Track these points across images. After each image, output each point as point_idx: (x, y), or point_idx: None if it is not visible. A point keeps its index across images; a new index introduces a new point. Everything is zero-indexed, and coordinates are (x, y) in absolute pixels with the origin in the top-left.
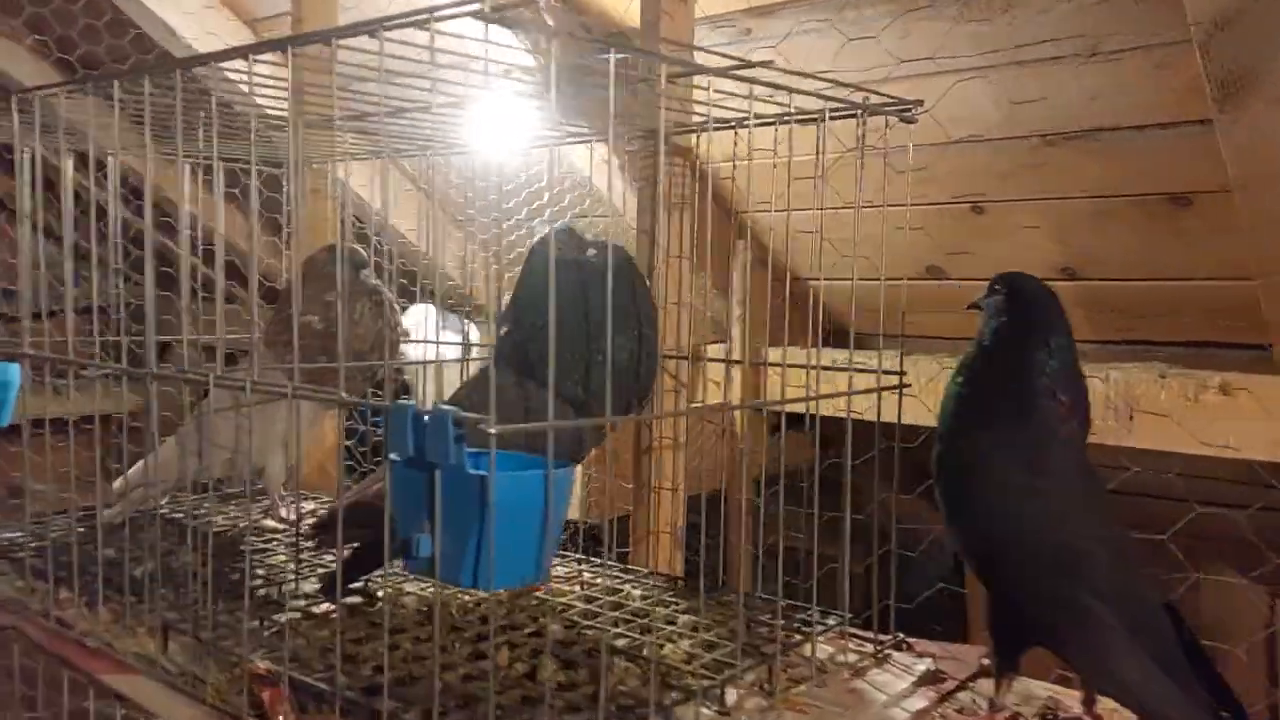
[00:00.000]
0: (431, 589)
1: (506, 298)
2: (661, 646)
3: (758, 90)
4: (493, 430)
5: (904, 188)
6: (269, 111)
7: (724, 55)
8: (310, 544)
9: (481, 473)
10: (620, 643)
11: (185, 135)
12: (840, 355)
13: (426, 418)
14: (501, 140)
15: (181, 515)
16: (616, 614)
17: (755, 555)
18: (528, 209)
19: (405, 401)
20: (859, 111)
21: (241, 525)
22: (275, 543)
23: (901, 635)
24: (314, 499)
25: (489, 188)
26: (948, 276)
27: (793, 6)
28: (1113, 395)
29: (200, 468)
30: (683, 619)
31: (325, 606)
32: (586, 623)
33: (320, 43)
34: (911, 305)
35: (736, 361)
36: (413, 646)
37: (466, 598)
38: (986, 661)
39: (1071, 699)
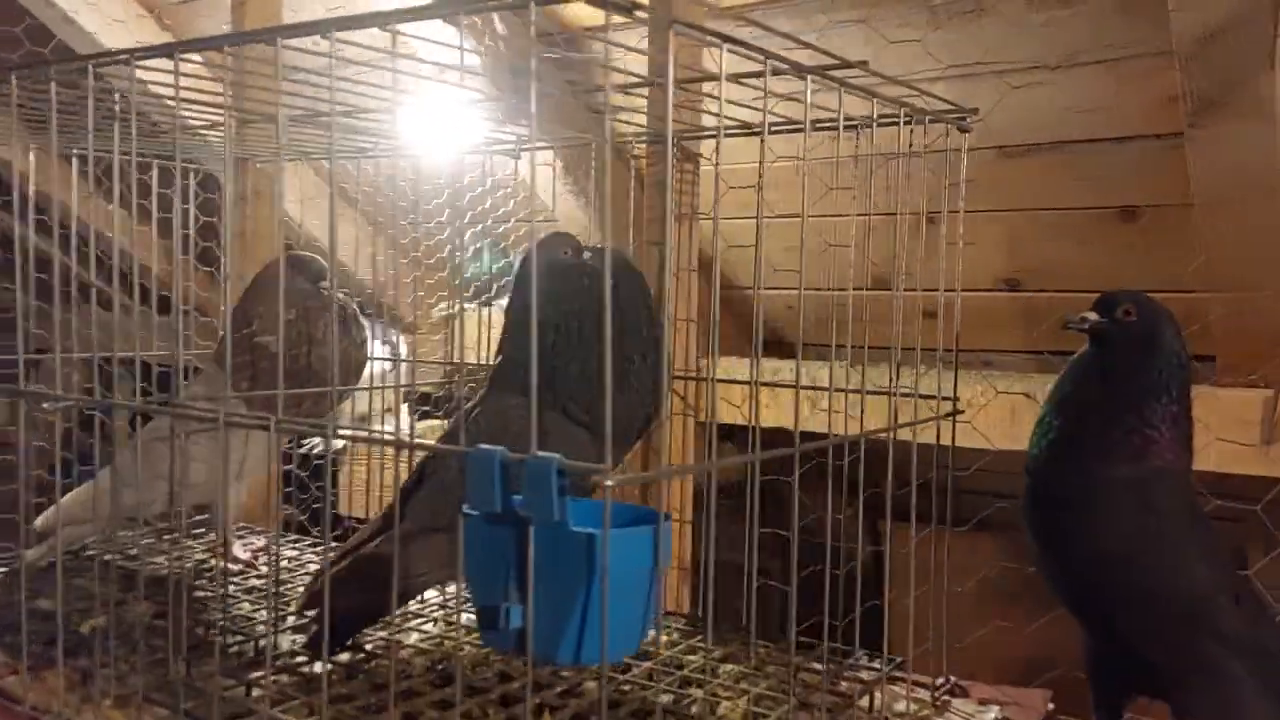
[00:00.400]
0: (439, 639)
1: (441, 308)
2: (715, 706)
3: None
4: (610, 482)
5: (955, 199)
6: (185, 113)
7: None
8: (294, 609)
9: (589, 530)
10: (665, 699)
11: (80, 133)
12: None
13: (525, 465)
14: (455, 143)
15: (112, 556)
16: (649, 664)
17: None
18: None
19: (489, 447)
20: (913, 119)
21: (193, 568)
22: (234, 587)
23: (954, 678)
24: (258, 532)
25: (414, 191)
26: (886, 288)
27: (766, 7)
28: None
29: (146, 502)
30: (724, 669)
31: (318, 667)
32: (622, 676)
33: (263, 42)
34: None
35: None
36: (439, 715)
37: (473, 649)
38: (1052, 707)
39: None
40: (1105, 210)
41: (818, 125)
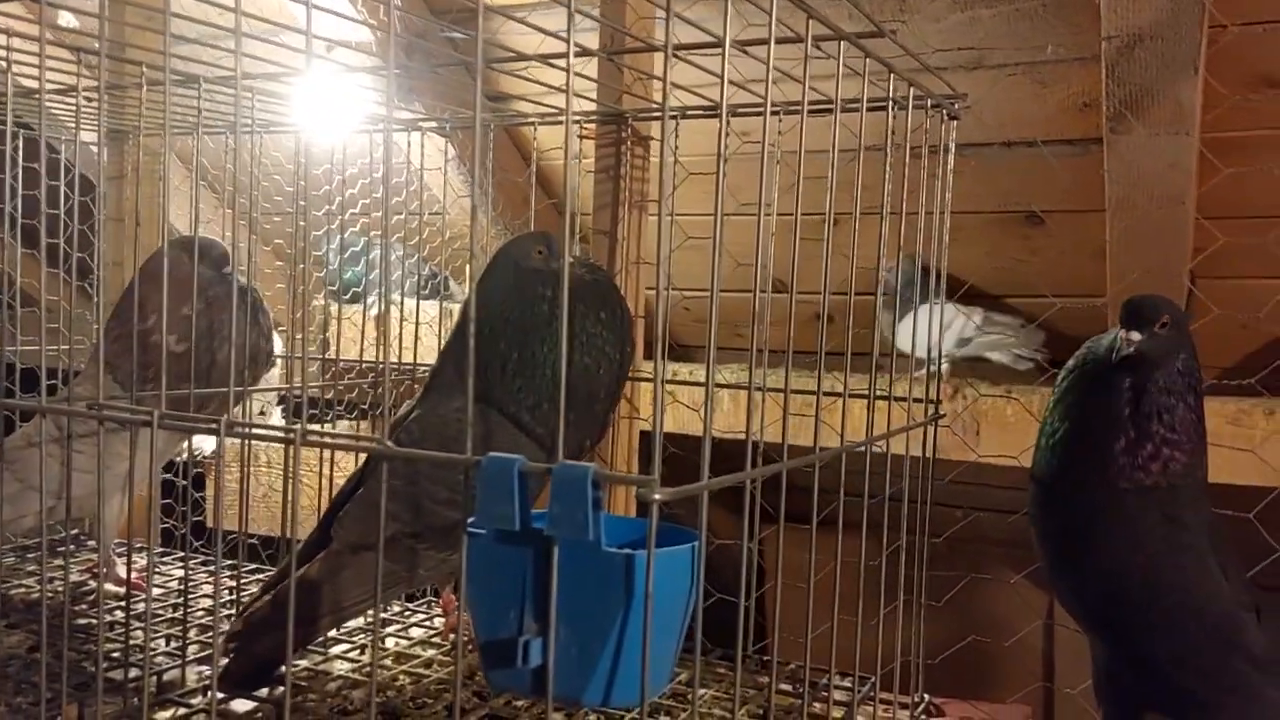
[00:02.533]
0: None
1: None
2: None
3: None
4: (657, 496)
5: (939, 189)
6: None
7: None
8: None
9: (627, 550)
10: None
11: None
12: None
13: (554, 476)
14: (343, 121)
15: None
16: None
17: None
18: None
19: (506, 455)
20: (899, 102)
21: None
22: (118, 612)
23: (928, 696)
24: (139, 549)
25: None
26: (785, 289)
27: None
28: (961, 412)
29: (14, 518)
30: (699, 693)
31: (239, 704)
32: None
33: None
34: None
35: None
36: None
37: (408, 680)
38: None
39: None
40: (1011, 214)
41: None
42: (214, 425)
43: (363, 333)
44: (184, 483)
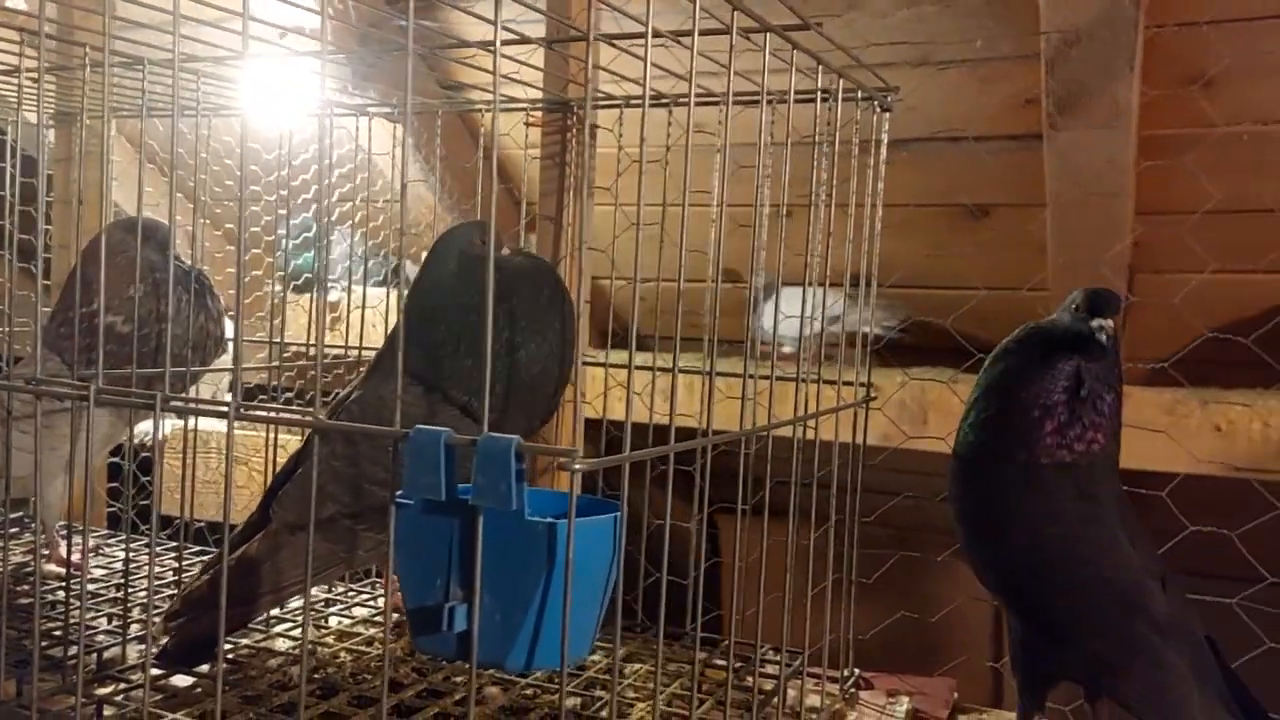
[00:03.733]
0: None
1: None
2: (629, 709)
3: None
4: (578, 466)
5: (875, 181)
6: None
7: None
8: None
9: (549, 519)
10: (572, 702)
11: None
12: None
13: (478, 448)
14: (292, 107)
15: None
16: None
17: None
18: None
19: (432, 428)
20: (828, 94)
21: (10, 572)
22: (63, 593)
23: (859, 671)
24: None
25: (246, 158)
26: (741, 280)
27: None
28: (908, 400)
29: None
30: (629, 669)
31: (179, 680)
32: (524, 680)
33: None
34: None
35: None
36: None
37: (349, 657)
38: (957, 694)
39: None
40: (956, 207)
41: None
42: (150, 400)
43: (309, 318)
44: (130, 466)
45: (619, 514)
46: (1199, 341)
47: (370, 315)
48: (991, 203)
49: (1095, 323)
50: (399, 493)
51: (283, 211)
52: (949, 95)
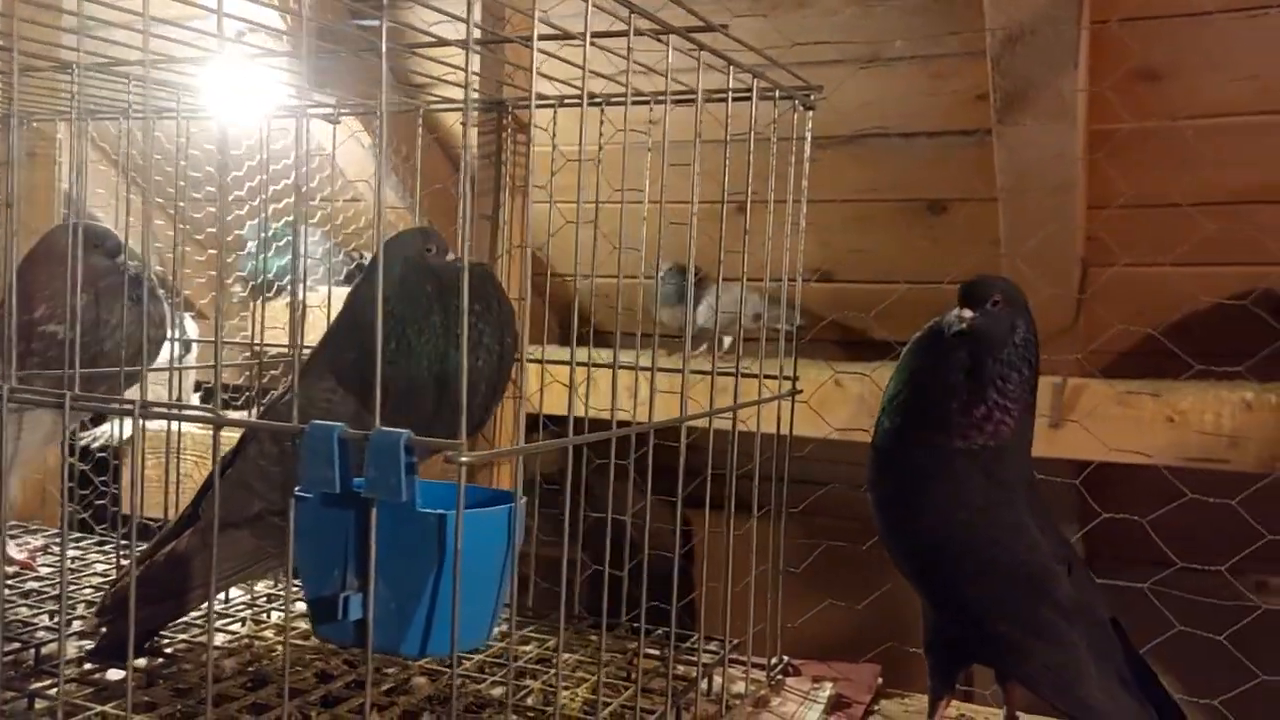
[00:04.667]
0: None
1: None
2: (550, 694)
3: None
4: (465, 458)
5: (799, 179)
6: None
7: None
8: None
9: (439, 511)
10: (498, 691)
11: None
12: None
13: (369, 441)
14: (257, 108)
15: None
16: (482, 657)
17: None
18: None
19: (327, 423)
20: (769, 93)
21: None
22: (9, 590)
23: (788, 658)
24: (33, 531)
25: (208, 162)
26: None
27: None
28: (867, 395)
29: None
30: (563, 658)
31: (111, 674)
32: (447, 669)
33: None
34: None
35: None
36: (254, 718)
37: (289, 649)
38: (881, 681)
39: (986, 716)
40: (914, 202)
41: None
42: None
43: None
44: (79, 465)
45: (512, 506)
46: (1151, 334)
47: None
48: (948, 197)
49: (950, 314)
50: (298, 487)
51: (241, 212)
52: (902, 91)
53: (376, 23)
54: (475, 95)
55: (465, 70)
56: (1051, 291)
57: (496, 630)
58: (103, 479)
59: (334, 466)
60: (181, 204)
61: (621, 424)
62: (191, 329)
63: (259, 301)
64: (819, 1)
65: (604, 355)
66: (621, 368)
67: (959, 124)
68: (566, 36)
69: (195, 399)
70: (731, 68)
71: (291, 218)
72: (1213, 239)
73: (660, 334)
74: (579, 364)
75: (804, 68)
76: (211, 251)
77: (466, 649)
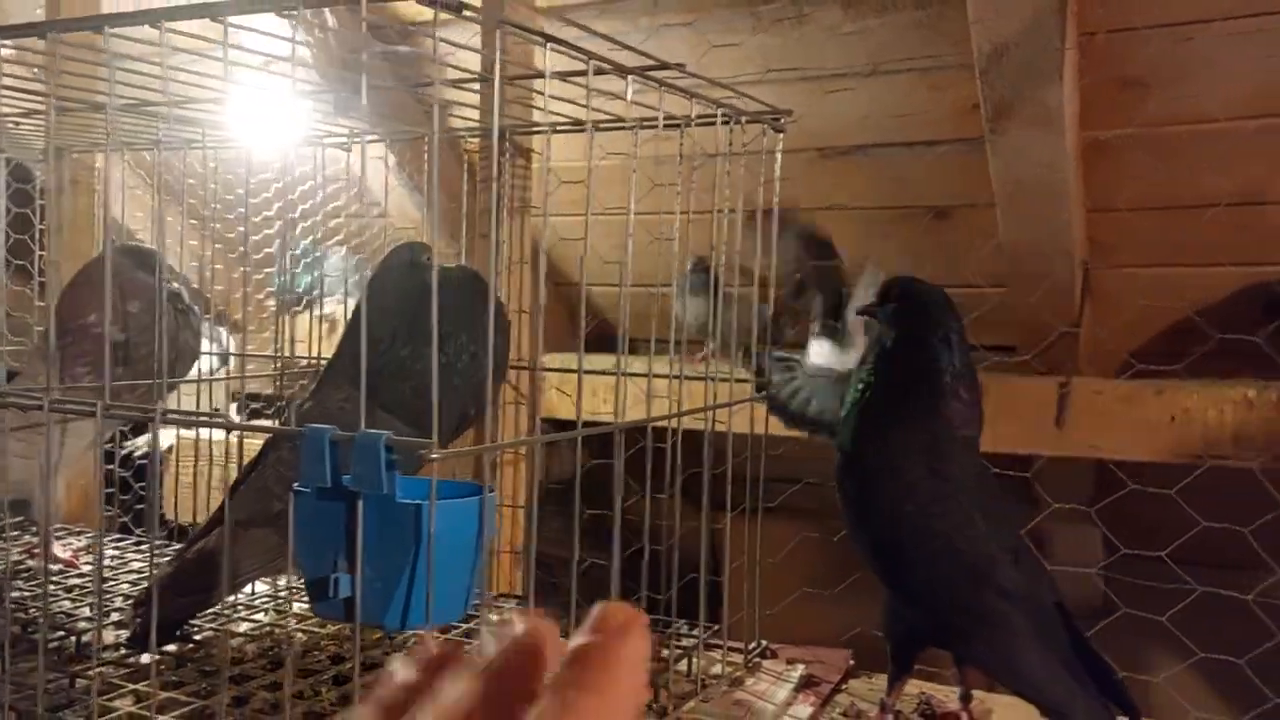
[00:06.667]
0: (269, 627)
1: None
2: None
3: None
4: (435, 455)
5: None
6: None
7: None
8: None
9: (416, 501)
10: None
11: None
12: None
13: (351, 442)
14: (278, 136)
15: None
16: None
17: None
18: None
19: (320, 426)
20: (731, 119)
21: (9, 568)
22: (54, 586)
23: (766, 642)
24: (77, 532)
25: (240, 185)
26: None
27: (597, 7)
28: None
29: None
30: None
31: (145, 658)
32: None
33: (91, 30)
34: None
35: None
36: (270, 695)
37: (305, 635)
38: (853, 663)
39: (946, 694)
40: (919, 209)
41: (644, 124)
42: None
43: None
44: (123, 473)
45: (482, 497)
46: (1155, 333)
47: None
48: (950, 204)
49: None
50: (296, 483)
51: (270, 232)
52: (903, 102)
53: (399, 48)
54: (474, 124)
55: (435, 100)
56: (1054, 293)
57: (494, 618)
58: (141, 484)
59: (325, 464)
60: (216, 225)
61: (589, 423)
62: (230, 344)
63: (288, 315)
64: (817, 18)
65: (601, 361)
66: (590, 372)
67: (958, 133)
68: (538, 75)
69: (233, 408)
70: (693, 100)
71: (317, 236)
72: (1212, 241)
73: (660, 338)
74: (569, 370)
75: (805, 82)
76: (243, 269)
77: (441, 622)
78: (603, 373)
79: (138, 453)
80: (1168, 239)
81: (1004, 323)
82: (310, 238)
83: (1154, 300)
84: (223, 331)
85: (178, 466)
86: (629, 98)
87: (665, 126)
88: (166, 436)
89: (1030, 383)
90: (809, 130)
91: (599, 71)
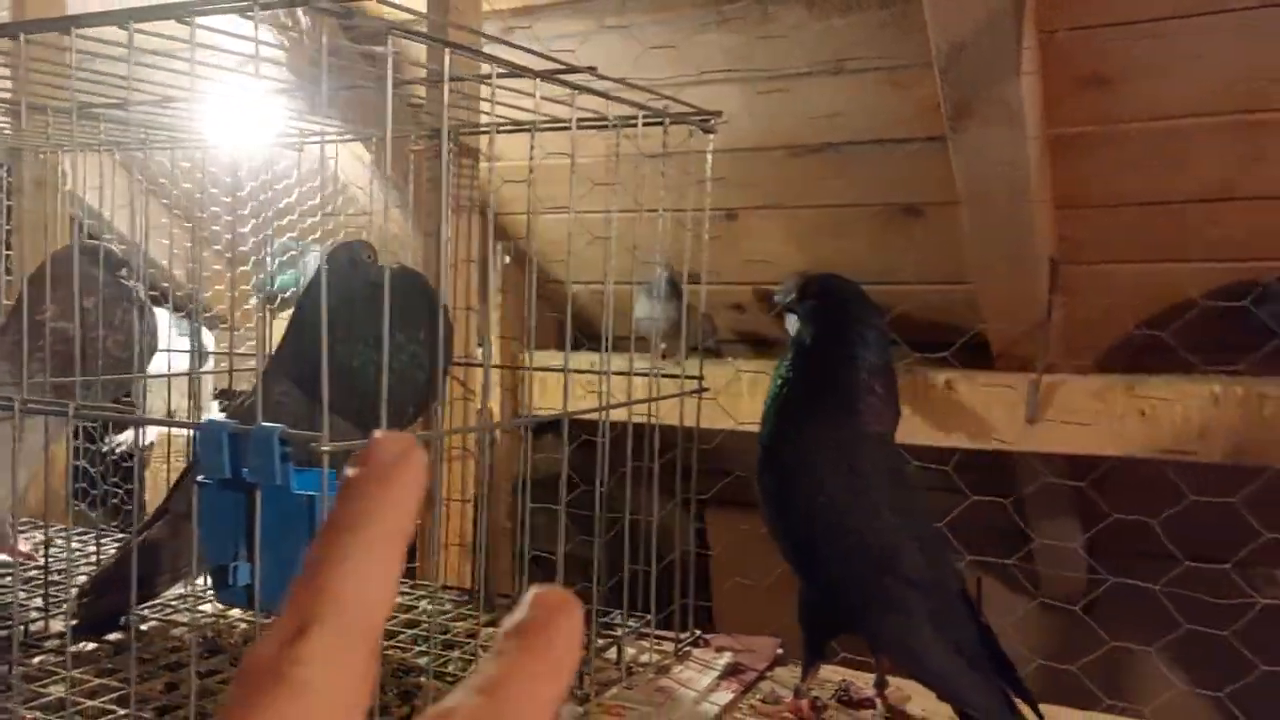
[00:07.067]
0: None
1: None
2: (470, 662)
3: (555, 93)
4: (326, 448)
5: (700, 195)
6: None
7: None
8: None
9: (310, 493)
10: (423, 661)
11: None
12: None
13: (249, 436)
14: (248, 135)
15: None
16: (414, 631)
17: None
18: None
19: (220, 421)
20: (658, 119)
21: None
22: (9, 578)
23: (699, 632)
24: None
25: (223, 185)
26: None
27: (565, 8)
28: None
29: None
30: (485, 632)
31: (89, 647)
32: (388, 642)
33: (59, 31)
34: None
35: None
36: (200, 682)
37: (247, 625)
38: (781, 651)
39: (865, 681)
40: (890, 206)
41: (582, 124)
42: (132, 416)
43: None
44: (94, 470)
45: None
46: (1126, 330)
47: None
48: (921, 201)
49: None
50: (199, 475)
51: (263, 233)
52: (870, 101)
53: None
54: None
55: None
56: (1021, 289)
57: (434, 608)
58: (115, 479)
59: (224, 456)
60: (188, 224)
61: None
62: (208, 340)
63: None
64: (785, 18)
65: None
66: (543, 369)
67: (927, 131)
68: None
69: (215, 405)
70: (620, 102)
71: (295, 235)
72: (1182, 237)
73: (619, 335)
74: (517, 368)
75: (775, 80)
76: (217, 267)
77: None
78: (547, 369)
79: (120, 449)
80: (1137, 235)
81: (974, 320)
82: (288, 235)
83: (1124, 296)
84: (202, 329)
85: (168, 460)
86: (537, 99)
87: (592, 127)
88: (146, 433)
89: (1001, 379)
90: (778, 129)
91: (502, 76)
